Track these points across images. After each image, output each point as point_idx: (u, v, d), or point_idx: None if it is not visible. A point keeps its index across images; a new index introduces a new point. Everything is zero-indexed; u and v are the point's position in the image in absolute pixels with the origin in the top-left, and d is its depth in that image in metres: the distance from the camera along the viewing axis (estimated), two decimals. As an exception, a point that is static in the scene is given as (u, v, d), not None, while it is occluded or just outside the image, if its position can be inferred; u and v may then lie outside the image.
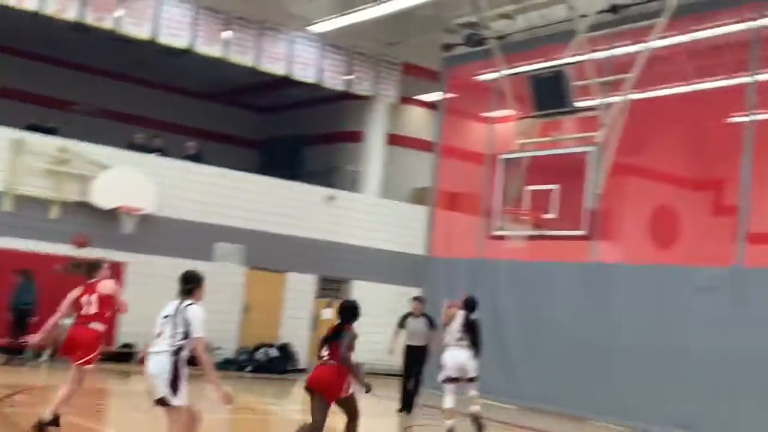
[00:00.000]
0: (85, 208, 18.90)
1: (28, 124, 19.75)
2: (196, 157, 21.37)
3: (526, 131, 17.50)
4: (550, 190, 16.20)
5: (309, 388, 8.59)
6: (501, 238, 17.04)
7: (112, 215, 18.99)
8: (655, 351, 16.19)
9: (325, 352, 8.64)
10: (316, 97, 24.98)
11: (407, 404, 14.79)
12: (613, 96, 16.07)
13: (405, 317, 14.79)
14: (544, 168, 16.97)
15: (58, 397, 9.71)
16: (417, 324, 14.77)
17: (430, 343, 14.36)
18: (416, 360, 14.67)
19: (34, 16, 18.40)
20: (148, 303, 19.19)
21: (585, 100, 17.28)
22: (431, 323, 14.67)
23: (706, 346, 15.49)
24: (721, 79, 17.90)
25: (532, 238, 16.83)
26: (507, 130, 19.41)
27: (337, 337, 8.63)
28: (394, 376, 16.01)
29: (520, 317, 18.26)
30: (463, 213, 21.54)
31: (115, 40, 21.13)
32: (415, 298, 15.31)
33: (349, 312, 8.87)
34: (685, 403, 15.61)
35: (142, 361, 19.21)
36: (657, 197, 18.89)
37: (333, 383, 8.47)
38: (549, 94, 16.31)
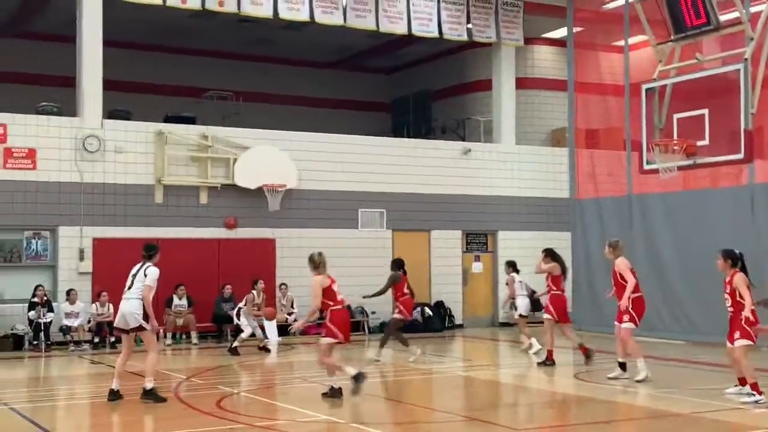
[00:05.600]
0: (231, 190, 19.42)
1: (167, 115, 20.38)
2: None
3: (666, 56, 16.74)
4: (700, 115, 15.48)
5: None
6: (652, 171, 16.44)
7: (257, 194, 19.44)
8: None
9: None
10: (439, 50, 24.72)
11: None
12: (758, 4, 15.12)
13: None
14: (691, 93, 16.19)
15: None
16: None
17: None
18: None
19: (152, 8, 18.78)
20: (300, 276, 19.89)
21: (727, 13, 16.34)
22: None
23: None
24: None
25: (686, 168, 16.16)
26: (644, 57, 18.66)
27: None
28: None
29: (679, 251, 17.62)
30: (606, 150, 20.94)
31: (238, 22, 21.47)
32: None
33: None
34: None
35: (303, 333, 19.76)
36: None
37: None
38: (688, 13, 15.50)
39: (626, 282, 12.19)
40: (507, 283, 17.20)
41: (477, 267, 22.27)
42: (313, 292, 10.62)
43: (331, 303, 10.74)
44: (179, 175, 19.08)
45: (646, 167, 16.71)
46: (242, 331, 16.47)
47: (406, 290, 15.16)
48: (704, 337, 16.17)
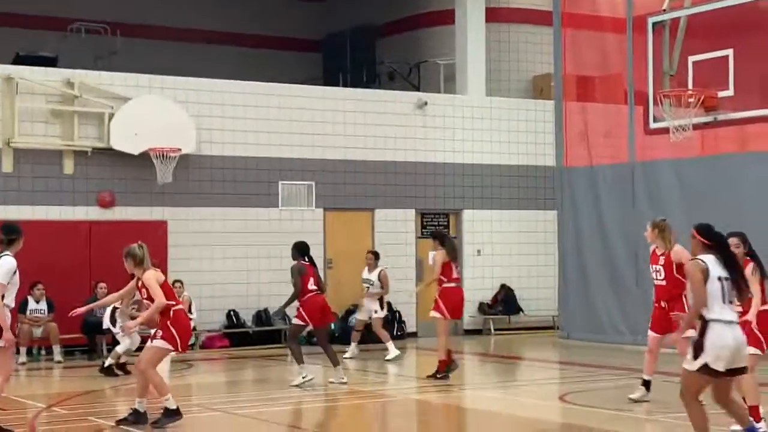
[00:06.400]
0: (105, 155, 19.20)
1: (19, 54, 20.05)
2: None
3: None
4: (723, 57, 15.71)
5: None
6: (661, 131, 16.67)
7: (141, 161, 19.23)
8: None
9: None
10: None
11: None
12: None
13: None
14: (712, 29, 16.43)
15: None
16: None
17: None
18: None
19: None
20: (200, 270, 19.79)
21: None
22: None
23: None
24: None
25: (704, 125, 16.39)
26: (653, -19, 18.84)
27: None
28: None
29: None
30: (603, 103, 21.13)
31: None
32: None
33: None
34: None
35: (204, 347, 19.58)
36: None
37: None
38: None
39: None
40: (380, 279, 18.36)
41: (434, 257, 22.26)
42: (152, 288, 11.20)
43: (173, 302, 11.36)
44: (35, 135, 18.83)
45: (654, 125, 16.91)
46: (118, 343, 16.32)
47: (311, 286, 14.68)
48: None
